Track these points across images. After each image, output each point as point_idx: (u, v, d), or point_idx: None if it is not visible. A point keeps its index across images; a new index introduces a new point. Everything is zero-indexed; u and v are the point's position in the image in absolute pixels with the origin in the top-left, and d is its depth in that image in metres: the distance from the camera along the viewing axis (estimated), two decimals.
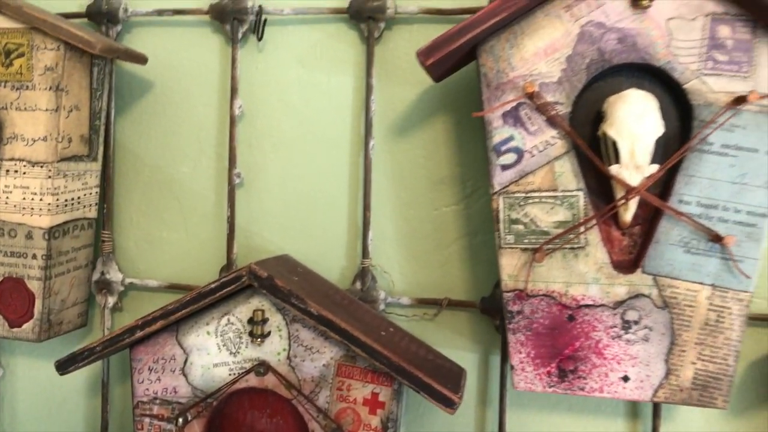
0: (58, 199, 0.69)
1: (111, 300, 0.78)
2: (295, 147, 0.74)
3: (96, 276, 0.77)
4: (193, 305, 0.61)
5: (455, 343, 0.72)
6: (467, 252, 0.71)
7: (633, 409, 0.69)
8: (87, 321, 0.78)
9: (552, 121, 0.57)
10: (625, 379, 0.58)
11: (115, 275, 0.77)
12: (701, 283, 0.57)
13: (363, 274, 0.72)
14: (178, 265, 0.77)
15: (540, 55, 0.58)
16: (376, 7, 0.70)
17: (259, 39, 0.73)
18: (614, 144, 0.56)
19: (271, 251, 0.74)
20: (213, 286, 0.60)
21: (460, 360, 0.70)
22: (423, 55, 0.58)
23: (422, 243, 0.72)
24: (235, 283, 0.60)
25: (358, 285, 0.72)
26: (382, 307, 0.71)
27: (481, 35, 0.57)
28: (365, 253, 0.71)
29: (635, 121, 0.55)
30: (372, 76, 0.71)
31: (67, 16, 0.76)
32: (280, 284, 0.59)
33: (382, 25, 0.71)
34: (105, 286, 0.77)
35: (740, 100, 0.54)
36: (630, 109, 0.55)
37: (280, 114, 0.74)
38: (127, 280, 0.78)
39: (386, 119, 0.72)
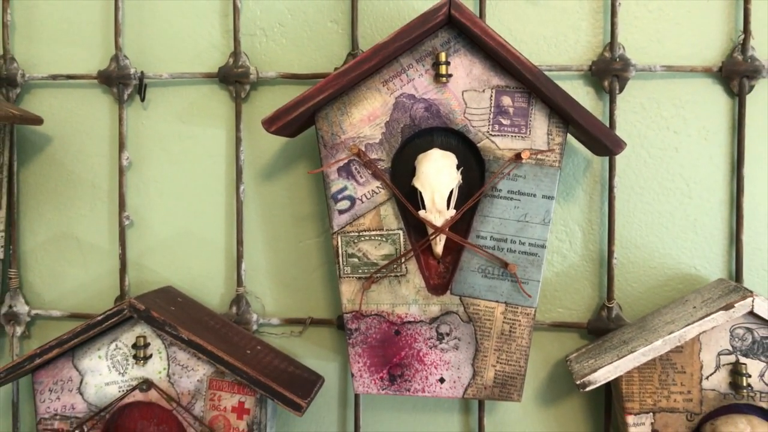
0: None
1: (19, 330, 0.88)
2: (177, 191, 0.85)
3: (4, 309, 0.87)
4: (84, 335, 0.72)
5: (319, 355, 0.84)
6: (327, 277, 0.84)
7: (465, 405, 0.83)
8: None
9: (375, 175, 0.71)
10: (441, 380, 0.72)
11: (21, 308, 0.88)
12: (497, 302, 0.71)
13: (238, 299, 0.84)
14: (78, 297, 0.88)
15: (365, 121, 0.71)
16: (241, 73, 0.82)
17: (142, 100, 0.84)
18: (420, 193, 0.69)
19: (159, 282, 0.86)
20: (99, 318, 0.72)
21: (323, 369, 0.83)
22: (266, 123, 0.70)
23: (289, 271, 0.85)
24: (117, 315, 0.72)
25: (234, 309, 0.84)
26: (255, 327, 0.84)
27: (315, 106, 0.70)
28: (239, 281, 0.84)
29: (434, 176, 0.69)
30: (240, 130, 0.83)
31: None
32: (156, 315, 0.71)
33: (248, 87, 0.83)
34: (13, 317, 0.87)
35: (519, 156, 0.69)
36: (430, 165, 0.69)
37: (164, 163, 0.86)
38: (33, 312, 0.88)
39: (254, 166, 0.84)
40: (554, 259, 0.81)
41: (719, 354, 0.68)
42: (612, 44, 0.78)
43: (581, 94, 0.79)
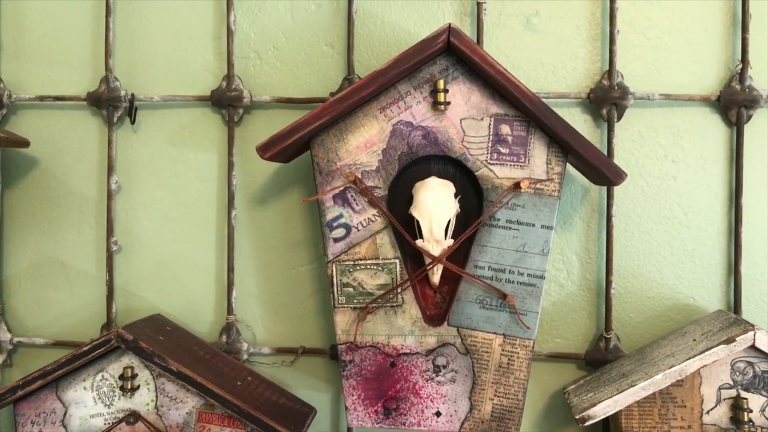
0: None
1: (0, 358, 0.85)
2: (168, 216, 0.84)
3: None
4: (69, 365, 0.70)
5: (311, 385, 0.82)
6: (320, 305, 0.82)
7: None
8: None
9: (372, 203, 0.69)
10: (438, 414, 0.70)
11: (4, 335, 0.85)
12: (495, 333, 0.69)
13: (228, 328, 0.82)
14: (63, 324, 0.86)
15: (361, 148, 0.69)
16: (234, 97, 0.81)
17: (133, 123, 0.82)
18: (418, 222, 0.68)
19: (148, 310, 0.83)
20: (85, 348, 0.69)
21: (314, 400, 0.81)
22: (261, 150, 0.69)
23: (281, 298, 0.83)
24: (105, 346, 0.69)
25: (224, 338, 0.82)
26: (245, 357, 0.82)
27: (311, 132, 0.68)
28: (230, 309, 0.82)
29: (432, 205, 0.67)
30: (233, 154, 0.81)
31: None
32: (144, 346, 0.69)
33: (241, 110, 0.81)
34: None
35: (518, 185, 0.68)
36: (428, 194, 0.67)
37: (154, 187, 0.84)
38: (16, 339, 0.85)
39: (247, 191, 0.83)
40: (552, 288, 0.79)
41: (720, 388, 0.67)
42: (610, 72, 0.77)
43: (579, 121, 0.78)
